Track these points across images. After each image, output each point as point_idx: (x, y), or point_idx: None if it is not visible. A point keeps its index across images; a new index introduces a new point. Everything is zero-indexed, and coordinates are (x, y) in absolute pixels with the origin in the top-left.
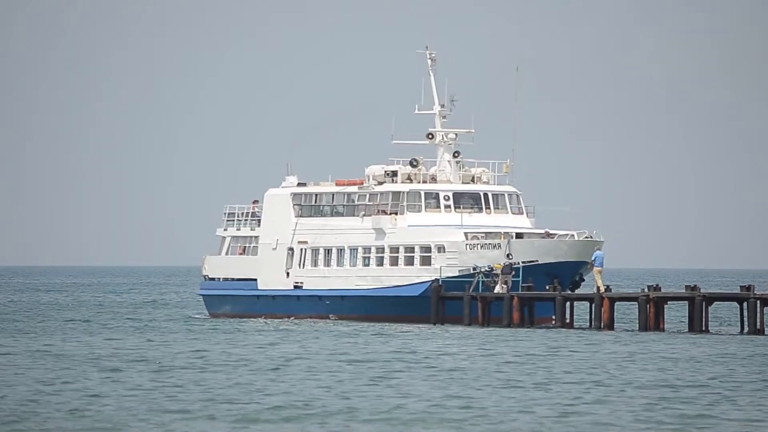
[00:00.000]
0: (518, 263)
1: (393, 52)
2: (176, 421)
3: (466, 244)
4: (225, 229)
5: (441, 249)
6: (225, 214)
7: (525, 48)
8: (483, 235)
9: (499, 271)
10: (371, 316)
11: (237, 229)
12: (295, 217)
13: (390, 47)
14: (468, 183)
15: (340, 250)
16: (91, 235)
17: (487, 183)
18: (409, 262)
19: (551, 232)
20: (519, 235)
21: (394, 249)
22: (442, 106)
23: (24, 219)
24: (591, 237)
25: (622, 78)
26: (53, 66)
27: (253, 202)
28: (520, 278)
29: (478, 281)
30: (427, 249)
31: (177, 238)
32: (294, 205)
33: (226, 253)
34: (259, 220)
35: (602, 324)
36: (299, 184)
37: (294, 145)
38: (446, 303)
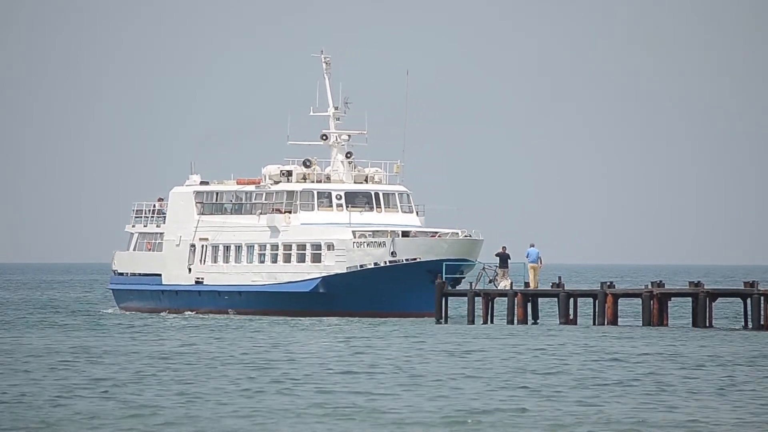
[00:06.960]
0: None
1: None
2: None
3: (354, 242)
4: (133, 226)
5: (330, 247)
6: (133, 211)
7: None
8: (371, 233)
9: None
10: (267, 310)
11: (144, 226)
12: (198, 214)
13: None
14: (361, 183)
15: (238, 247)
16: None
17: (380, 183)
18: (301, 259)
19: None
20: (405, 234)
21: (287, 246)
22: (336, 108)
23: None
24: (470, 236)
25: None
26: None
27: (159, 200)
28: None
29: (482, 277)
30: (318, 247)
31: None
32: (197, 203)
33: (134, 249)
34: (164, 217)
35: (606, 320)
36: (202, 183)
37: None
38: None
